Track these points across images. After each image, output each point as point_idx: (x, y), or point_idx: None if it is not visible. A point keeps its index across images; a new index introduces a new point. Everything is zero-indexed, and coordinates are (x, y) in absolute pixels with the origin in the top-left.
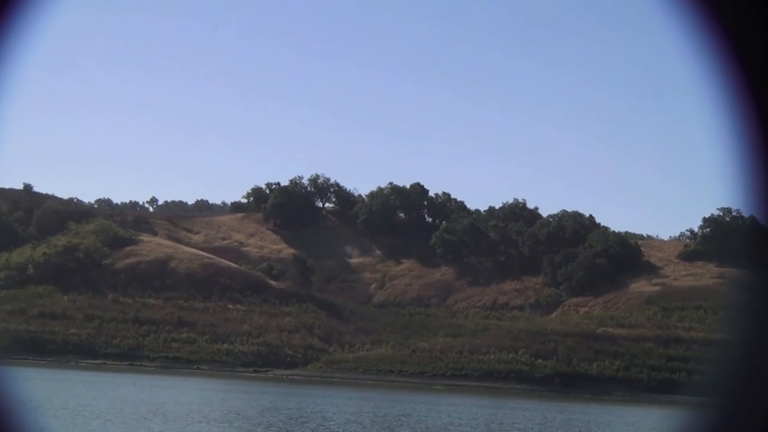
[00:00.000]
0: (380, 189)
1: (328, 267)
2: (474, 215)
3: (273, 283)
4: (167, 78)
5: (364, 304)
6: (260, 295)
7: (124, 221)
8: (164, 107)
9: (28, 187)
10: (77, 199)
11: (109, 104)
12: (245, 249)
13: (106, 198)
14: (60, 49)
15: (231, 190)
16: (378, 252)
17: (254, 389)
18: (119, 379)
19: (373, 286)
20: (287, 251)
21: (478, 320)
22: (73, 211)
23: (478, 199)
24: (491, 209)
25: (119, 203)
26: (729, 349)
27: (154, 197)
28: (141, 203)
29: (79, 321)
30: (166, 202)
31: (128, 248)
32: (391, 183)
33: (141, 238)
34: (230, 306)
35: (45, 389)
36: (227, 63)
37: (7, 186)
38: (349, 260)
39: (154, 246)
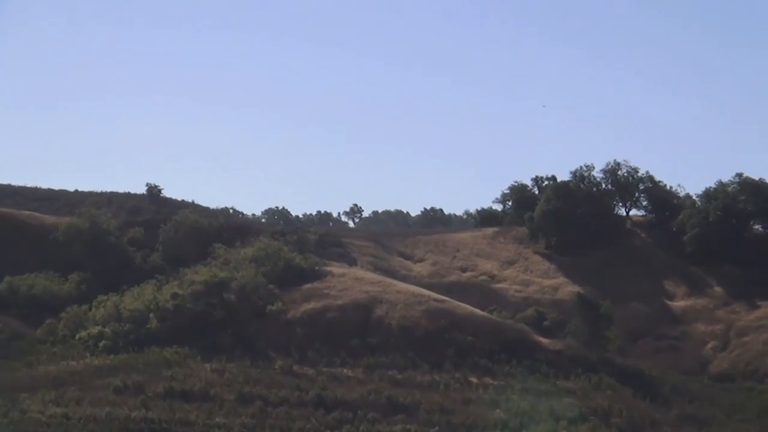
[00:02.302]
0: (722, 183)
1: (634, 313)
2: None
3: (543, 340)
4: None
5: (695, 375)
6: (523, 360)
7: (303, 242)
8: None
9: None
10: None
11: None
12: (498, 285)
13: (281, 207)
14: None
15: (473, 196)
16: (717, 289)
17: None
18: None
19: (709, 345)
20: (567, 288)
21: None
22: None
23: None
24: None
25: (300, 216)
26: None
27: (356, 205)
28: (335, 215)
29: (228, 404)
30: (375, 212)
31: (308, 285)
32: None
33: (329, 269)
34: (473, 379)
35: None
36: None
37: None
38: (668, 302)
39: (349, 282)
